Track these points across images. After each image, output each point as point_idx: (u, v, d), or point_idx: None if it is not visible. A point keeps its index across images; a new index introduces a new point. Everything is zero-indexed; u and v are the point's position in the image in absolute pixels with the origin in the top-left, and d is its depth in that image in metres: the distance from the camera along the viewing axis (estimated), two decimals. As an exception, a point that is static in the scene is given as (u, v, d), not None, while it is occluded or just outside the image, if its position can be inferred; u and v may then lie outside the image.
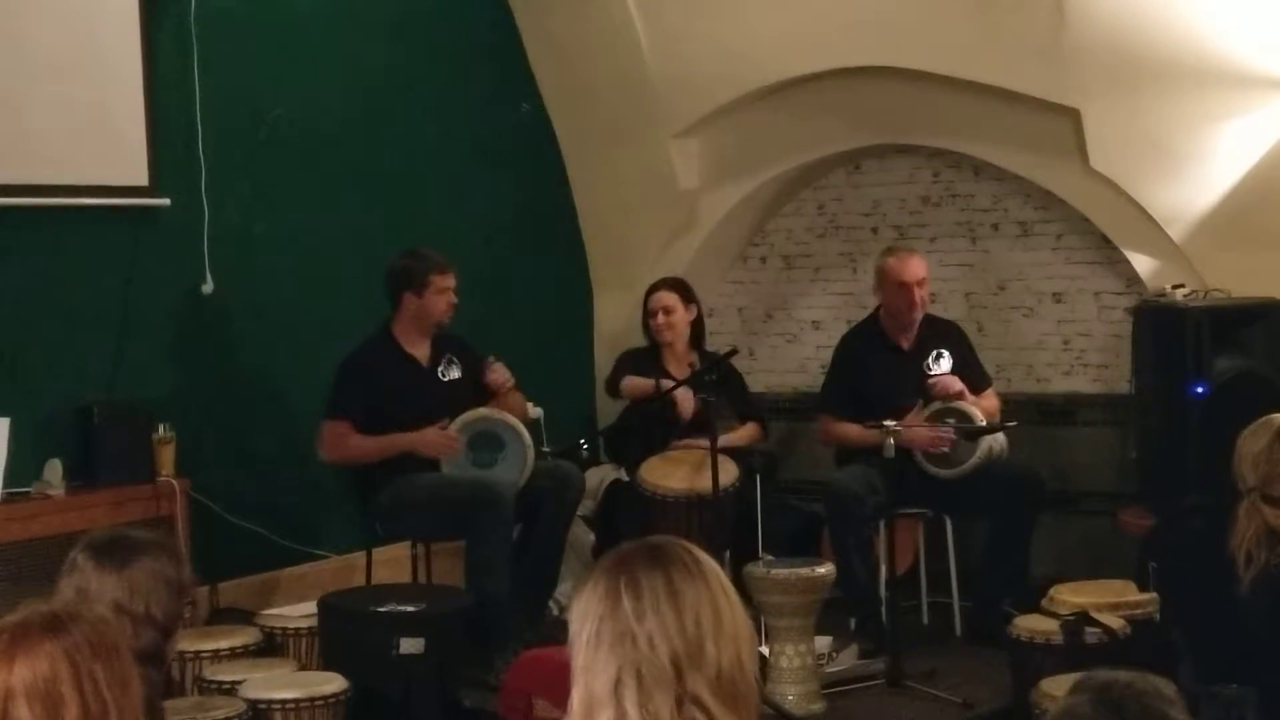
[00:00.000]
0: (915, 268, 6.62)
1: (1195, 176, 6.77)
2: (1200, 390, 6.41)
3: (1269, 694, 4.06)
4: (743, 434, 6.98)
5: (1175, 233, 6.86)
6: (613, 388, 7.12)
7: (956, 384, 6.53)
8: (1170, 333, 6.55)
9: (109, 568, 3.06)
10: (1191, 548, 4.56)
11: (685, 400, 6.82)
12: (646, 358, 7.11)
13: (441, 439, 6.26)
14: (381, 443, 6.22)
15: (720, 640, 2.18)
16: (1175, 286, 6.75)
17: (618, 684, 2.15)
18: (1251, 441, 4.22)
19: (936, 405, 6.48)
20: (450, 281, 6.36)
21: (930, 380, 6.55)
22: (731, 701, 2.17)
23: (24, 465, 5.87)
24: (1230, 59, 6.50)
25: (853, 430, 6.55)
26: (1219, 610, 4.24)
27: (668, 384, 6.85)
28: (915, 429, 6.30)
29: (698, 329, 7.18)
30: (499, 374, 6.50)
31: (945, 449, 6.38)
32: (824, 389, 6.94)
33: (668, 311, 7.03)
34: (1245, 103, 6.56)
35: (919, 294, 6.61)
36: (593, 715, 2.18)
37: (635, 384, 6.98)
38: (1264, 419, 4.27)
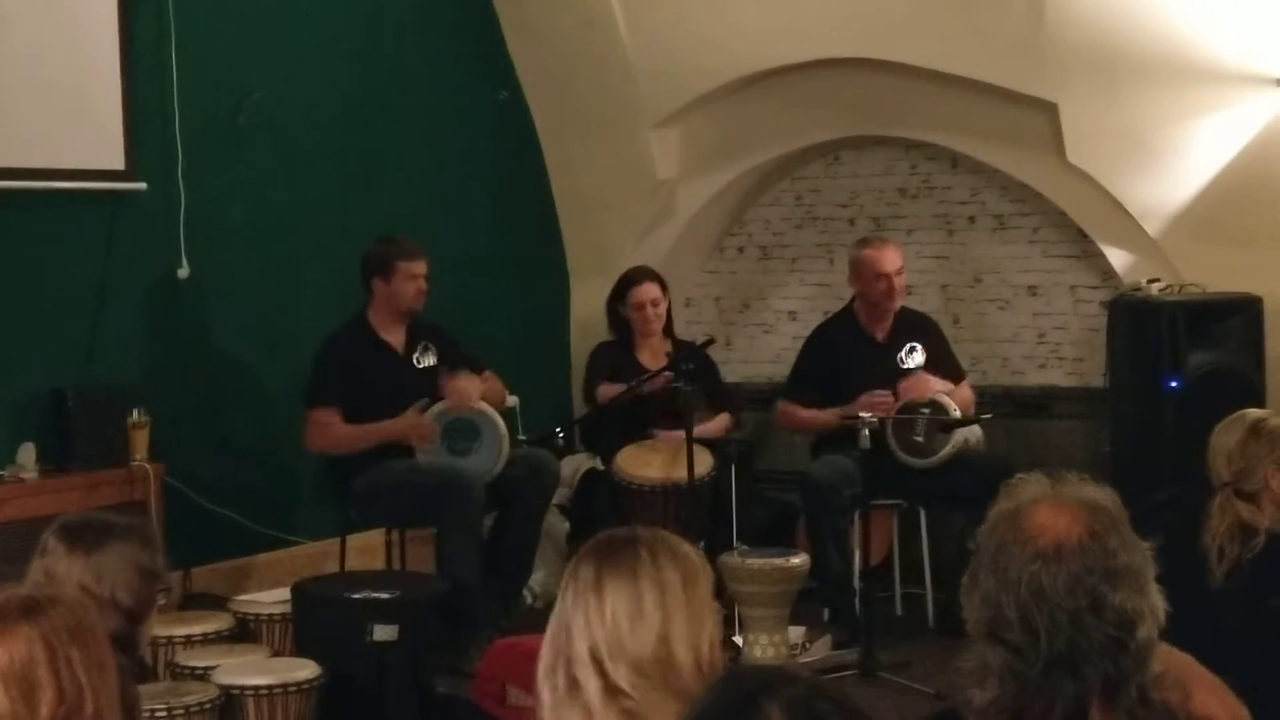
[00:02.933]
0: (892, 257, 6.64)
1: (1172, 171, 6.80)
2: (1175, 384, 6.44)
3: (1242, 687, 4.08)
4: (715, 425, 6.93)
5: (1151, 227, 6.89)
6: (589, 394, 7.04)
7: (928, 388, 6.52)
8: (1145, 327, 6.58)
9: (78, 550, 3.02)
10: (1165, 542, 4.57)
11: (657, 382, 6.65)
12: (619, 352, 7.03)
13: (416, 427, 6.25)
14: (364, 432, 6.22)
15: (636, 632, 2.20)
16: (1151, 281, 6.77)
17: (552, 671, 2.22)
18: (1225, 436, 4.22)
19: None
20: (420, 268, 6.35)
21: (902, 384, 6.53)
22: (662, 692, 2.19)
23: (-3, 448, 5.86)
24: (1207, 54, 6.52)
25: (806, 415, 6.58)
26: (1192, 604, 4.24)
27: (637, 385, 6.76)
28: (872, 402, 6.30)
29: (669, 318, 7.16)
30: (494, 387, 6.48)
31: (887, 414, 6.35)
32: (790, 376, 6.95)
33: (655, 304, 6.96)
34: (1222, 98, 6.59)
35: (897, 282, 6.62)
36: (541, 699, 2.23)
37: (608, 391, 6.86)
38: (1238, 414, 4.27)
